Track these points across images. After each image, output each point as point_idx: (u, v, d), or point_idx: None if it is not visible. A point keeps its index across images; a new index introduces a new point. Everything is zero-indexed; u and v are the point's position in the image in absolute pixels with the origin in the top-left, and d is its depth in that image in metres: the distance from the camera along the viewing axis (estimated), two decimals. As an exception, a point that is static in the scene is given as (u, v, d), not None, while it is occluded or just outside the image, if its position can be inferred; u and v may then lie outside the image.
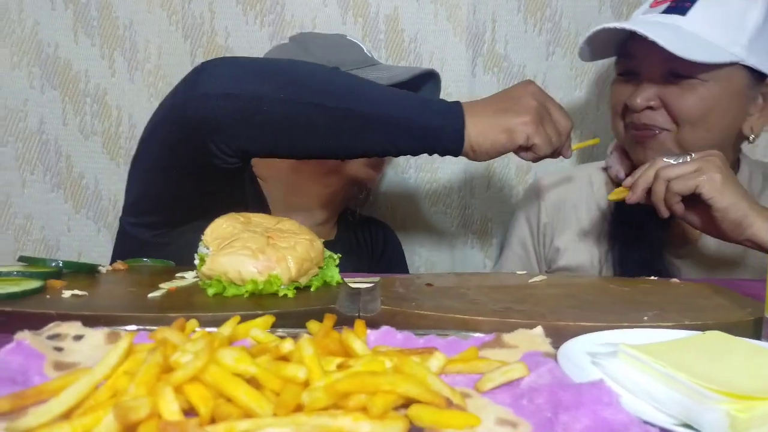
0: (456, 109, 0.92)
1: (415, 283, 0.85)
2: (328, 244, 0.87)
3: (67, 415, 0.42)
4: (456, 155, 0.93)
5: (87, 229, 1.46)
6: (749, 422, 0.43)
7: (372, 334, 0.59)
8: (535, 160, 0.97)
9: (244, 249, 0.75)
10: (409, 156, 0.96)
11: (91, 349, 0.55)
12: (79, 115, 1.43)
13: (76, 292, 0.72)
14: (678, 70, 1.05)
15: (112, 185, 1.45)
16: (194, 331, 0.57)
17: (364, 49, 1.26)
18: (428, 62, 1.45)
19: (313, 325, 0.59)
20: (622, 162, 1.21)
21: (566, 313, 0.70)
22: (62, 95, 1.42)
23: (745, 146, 1.19)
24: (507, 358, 0.54)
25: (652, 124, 1.09)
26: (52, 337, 0.56)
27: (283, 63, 0.96)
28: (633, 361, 0.52)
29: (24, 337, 0.53)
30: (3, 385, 0.46)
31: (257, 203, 1.14)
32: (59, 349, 0.54)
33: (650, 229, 1.12)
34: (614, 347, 0.54)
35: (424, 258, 1.55)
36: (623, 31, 1.06)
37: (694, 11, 1.05)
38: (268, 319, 0.60)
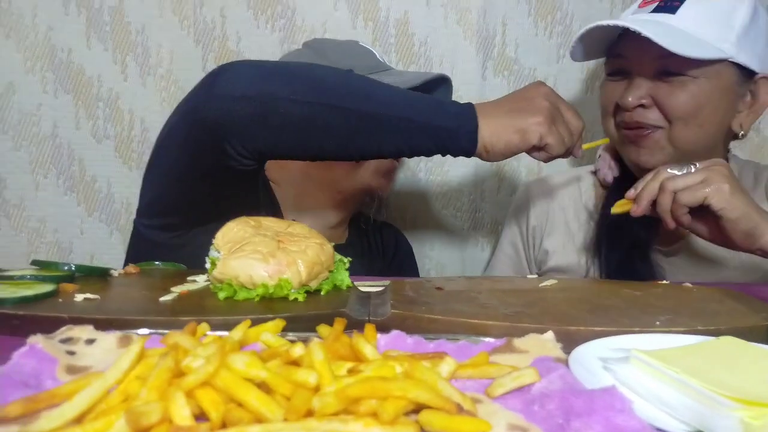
0: (469, 110, 0.92)
1: (426, 286, 0.85)
2: (339, 248, 0.87)
3: (79, 420, 0.42)
4: (469, 156, 0.93)
5: (99, 232, 1.48)
6: (763, 429, 0.43)
7: (382, 338, 0.59)
8: (548, 159, 0.98)
9: (255, 253, 0.76)
10: (419, 158, 0.96)
11: (103, 352, 0.56)
12: (91, 120, 1.44)
13: (89, 295, 0.73)
14: (669, 68, 1.06)
15: (125, 188, 1.46)
16: (205, 335, 0.57)
17: (377, 54, 1.27)
18: (438, 66, 1.46)
19: (323, 329, 0.59)
20: (611, 165, 1.23)
21: (577, 318, 0.69)
22: (75, 100, 1.43)
23: (734, 144, 1.20)
24: (518, 363, 0.54)
25: (645, 122, 1.09)
26: (64, 341, 0.57)
27: (299, 65, 0.96)
28: (645, 366, 0.51)
29: (37, 340, 0.54)
30: (16, 389, 0.47)
31: (270, 207, 1.15)
32: (71, 353, 0.55)
33: (636, 230, 1.12)
34: (626, 352, 0.54)
35: (434, 260, 1.55)
36: (615, 30, 1.07)
37: (683, 10, 1.06)
38: (279, 323, 0.60)
